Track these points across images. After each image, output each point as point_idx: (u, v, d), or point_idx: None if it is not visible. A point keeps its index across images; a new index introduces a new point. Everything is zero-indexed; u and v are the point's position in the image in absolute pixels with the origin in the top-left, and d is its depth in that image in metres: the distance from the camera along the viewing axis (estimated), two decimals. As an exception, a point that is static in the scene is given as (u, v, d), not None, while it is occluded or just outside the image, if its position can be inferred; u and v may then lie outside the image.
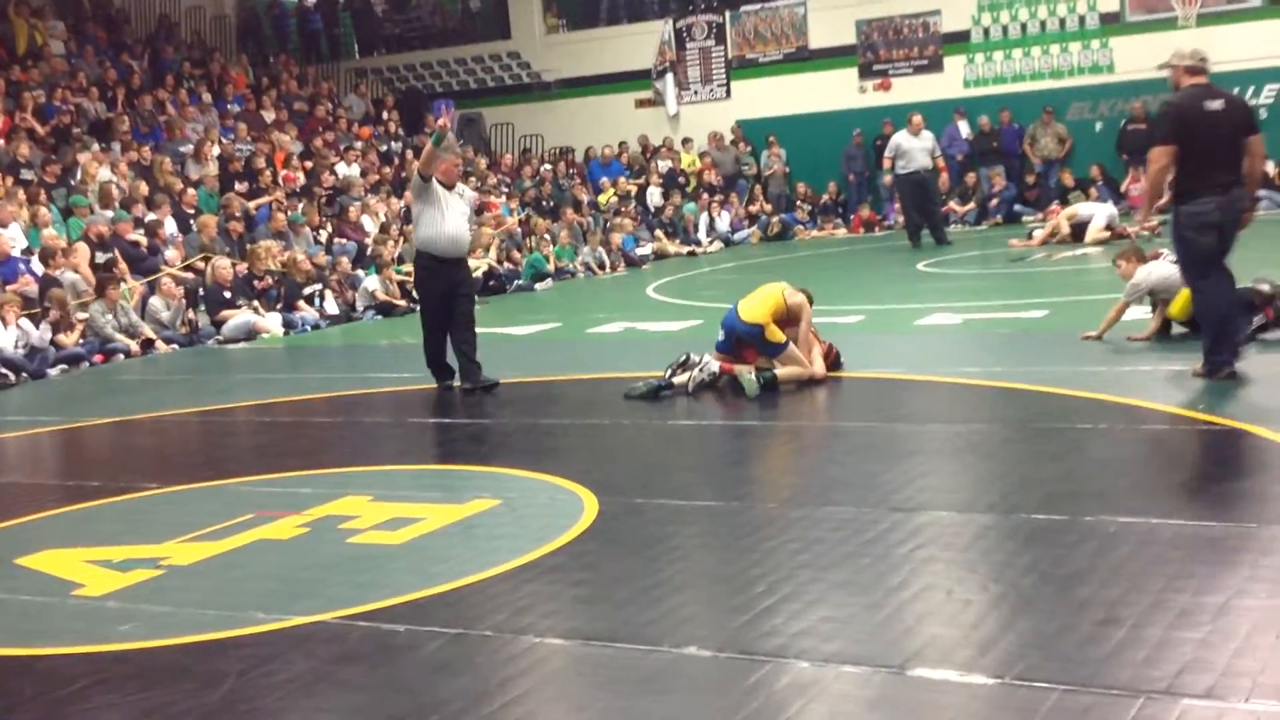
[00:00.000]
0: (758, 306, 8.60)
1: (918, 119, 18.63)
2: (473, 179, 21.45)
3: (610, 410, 8.91)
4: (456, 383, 9.44)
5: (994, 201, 21.14)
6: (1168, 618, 3.99)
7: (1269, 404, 6.96)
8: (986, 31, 21.93)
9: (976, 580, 4.64)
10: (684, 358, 8.60)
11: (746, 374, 8.32)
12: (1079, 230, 16.83)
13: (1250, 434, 6.25)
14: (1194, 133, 7.39)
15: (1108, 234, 16.55)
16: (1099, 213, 17.10)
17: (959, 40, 22.00)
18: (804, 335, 8.60)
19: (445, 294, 9.31)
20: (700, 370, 8.46)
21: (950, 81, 22.07)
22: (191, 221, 16.18)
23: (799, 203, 22.65)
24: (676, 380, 8.51)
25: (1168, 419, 6.72)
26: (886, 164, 19.00)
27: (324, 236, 17.32)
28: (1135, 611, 4.07)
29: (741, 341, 8.60)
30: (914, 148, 18.24)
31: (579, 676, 4.09)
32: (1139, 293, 9.25)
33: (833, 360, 8.79)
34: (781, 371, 8.41)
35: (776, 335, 8.45)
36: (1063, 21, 21.46)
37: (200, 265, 15.16)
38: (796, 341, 8.51)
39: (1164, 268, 9.09)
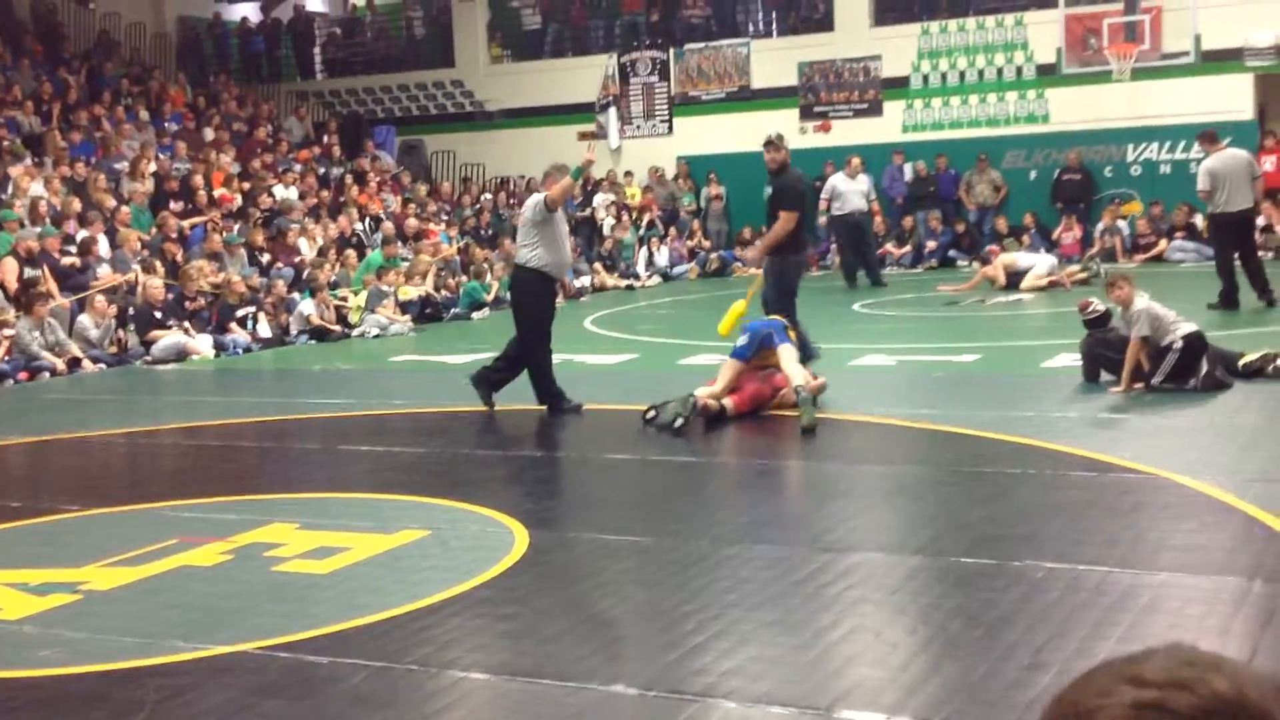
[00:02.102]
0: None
1: (855, 161, 18.83)
2: (411, 205, 21.37)
3: (544, 442, 8.88)
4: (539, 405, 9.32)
5: (930, 245, 21.38)
6: (1092, 664, 4.01)
7: (1191, 453, 7.07)
8: (926, 78, 22.22)
9: (905, 622, 4.66)
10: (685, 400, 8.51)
11: (805, 395, 8.30)
12: (1015, 278, 17.04)
13: (1174, 482, 6.34)
14: None
15: (1045, 282, 16.78)
16: (1040, 261, 17.34)
17: (899, 85, 22.27)
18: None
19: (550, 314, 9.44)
20: (684, 407, 8.34)
21: (889, 126, 22.32)
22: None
23: (741, 242, 22.76)
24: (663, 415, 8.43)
25: (1093, 465, 6.80)
26: (823, 205, 19.16)
27: (264, 259, 17.14)
28: (1061, 657, 4.10)
29: (764, 343, 8.79)
30: (850, 190, 18.43)
31: (504, 713, 4.05)
32: (1149, 323, 8.89)
33: (778, 397, 8.83)
34: (814, 385, 8.57)
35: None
36: (1000, 71, 21.79)
37: (132, 283, 14.95)
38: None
39: (1157, 306, 9.07)
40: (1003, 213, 21.24)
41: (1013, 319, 14.57)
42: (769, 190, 10.78)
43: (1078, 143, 20.79)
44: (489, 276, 17.97)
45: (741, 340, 8.92)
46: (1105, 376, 9.27)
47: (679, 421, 8.21)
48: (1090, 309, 9.49)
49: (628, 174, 23.51)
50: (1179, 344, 8.85)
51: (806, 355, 9.79)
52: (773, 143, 10.86)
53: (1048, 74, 21.28)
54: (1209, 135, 13.59)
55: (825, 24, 22.87)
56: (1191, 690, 0.86)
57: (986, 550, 5.34)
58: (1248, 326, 11.56)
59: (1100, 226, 20.39)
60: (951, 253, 21.25)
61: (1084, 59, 20.60)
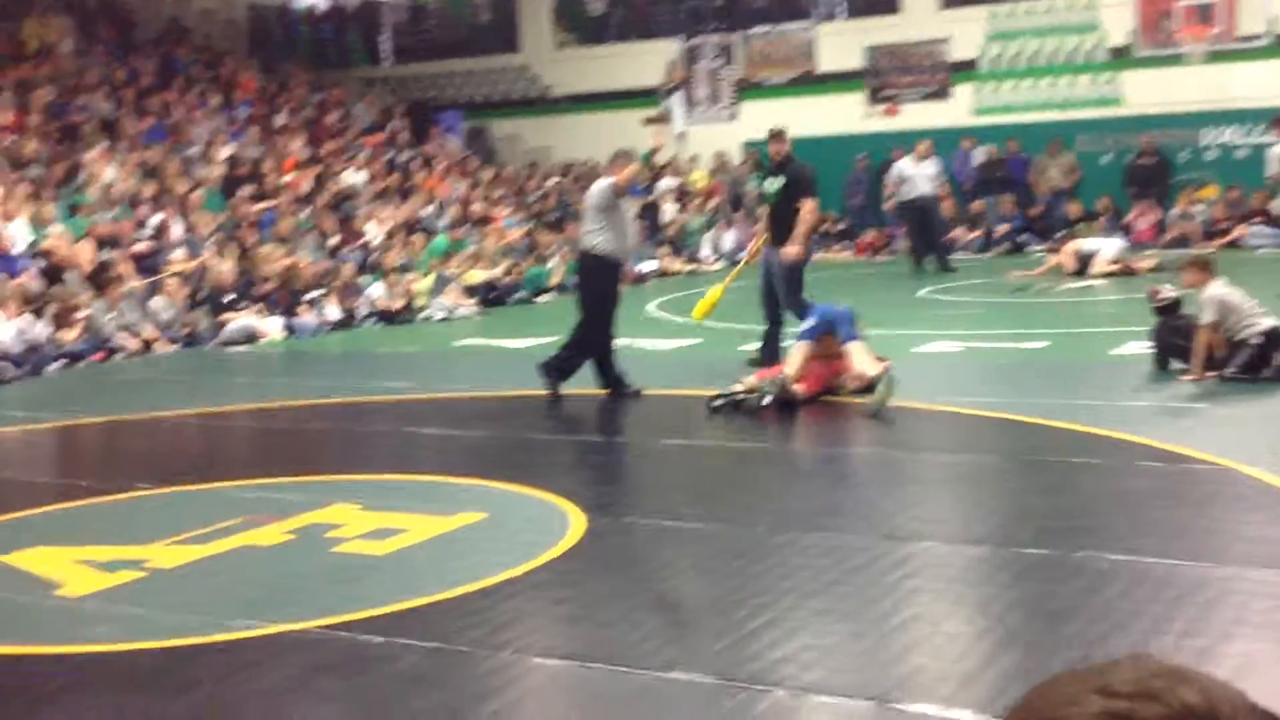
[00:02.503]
0: None
1: (924, 145, 18.61)
2: (477, 190, 21.47)
3: (604, 427, 8.89)
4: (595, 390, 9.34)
5: (1000, 230, 21.12)
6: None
7: (1263, 445, 6.92)
8: (995, 60, 21.94)
9: (964, 612, 4.61)
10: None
11: (879, 375, 8.32)
12: (1084, 263, 16.79)
13: (1244, 474, 6.22)
14: None
15: (1115, 267, 16.51)
16: (1106, 246, 17.06)
17: (967, 68, 22.01)
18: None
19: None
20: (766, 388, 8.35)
21: (958, 109, 22.07)
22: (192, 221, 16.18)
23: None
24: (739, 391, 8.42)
25: (1161, 455, 6.68)
26: (890, 190, 18.98)
27: (332, 243, 17.30)
28: (1121, 650, 4.02)
29: (832, 327, 8.76)
30: (918, 174, 18.22)
31: (557, 696, 4.06)
32: (1220, 310, 8.72)
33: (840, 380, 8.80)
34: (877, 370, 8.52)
35: None
36: (1072, 53, 21.47)
37: (204, 266, 15.16)
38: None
39: (1235, 291, 8.85)
40: (1075, 197, 20.92)
41: (1083, 305, 14.36)
42: (771, 183, 10.53)
43: (1151, 127, 20.42)
44: (553, 261, 18.02)
45: (809, 323, 8.86)
46: (1176, 365, 9.11)
47: (766, 400, 8.21)
48: (1160, 296, 9.33)
49: (692, 159, 23.45)
50: (1257, 338, 8.67)
51: (773, 357, 9.85)
52: (779, 135, 10.72)
53: (1121, 56, 20.93)
54: (1280, 120, 13.30)
55: (892, 6, 22.64)
56: (1161, 701, 0.84)
57: (1050, 540, 5.26)
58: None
59: (1175, 212, 20.04)
60: (1022, 238, 20.99)
61: (1158, 41, 20.24)
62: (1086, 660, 3.92)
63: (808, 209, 10.25)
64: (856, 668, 4.04)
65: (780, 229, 10.26)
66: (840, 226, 22.71)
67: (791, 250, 10.04)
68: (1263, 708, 0.87)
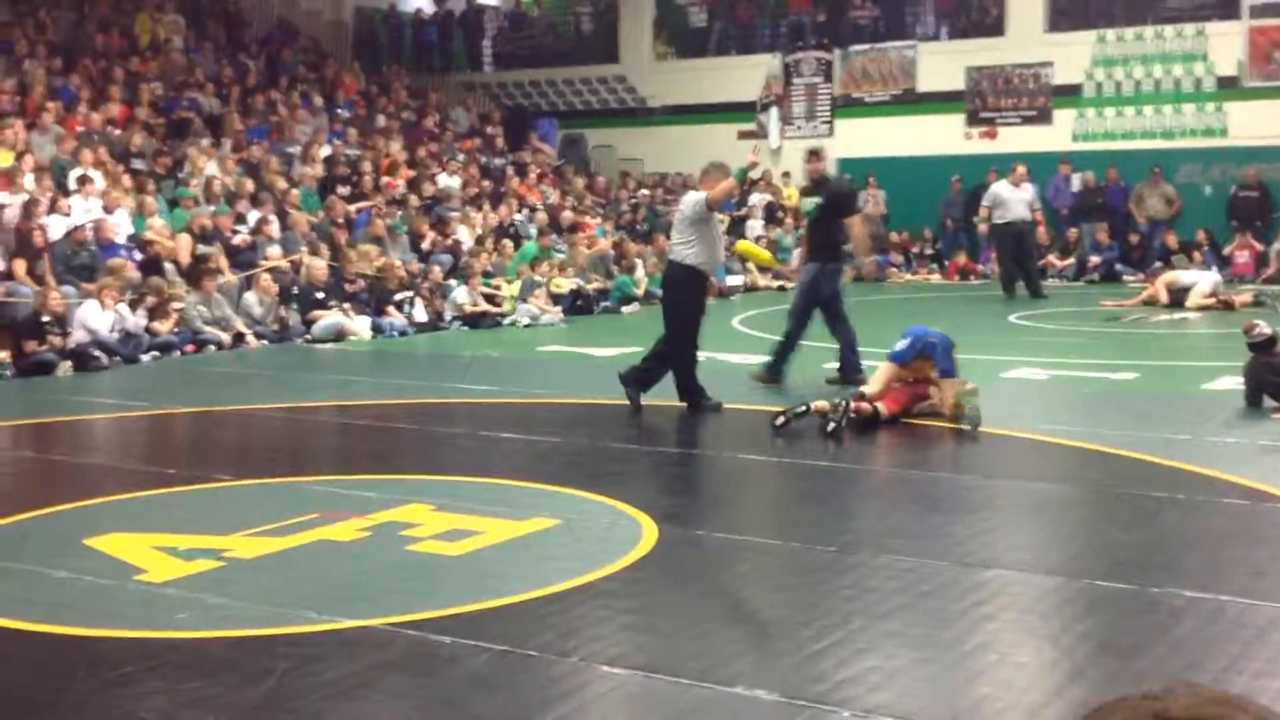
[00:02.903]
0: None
1: (1021, 169, 18.39)
2: (569, 198, 21.60)
3: (682, 439, 8.90)
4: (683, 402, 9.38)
5: (1095, 259, 20.80)
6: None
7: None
8: (1099, 87, 21.63)
9: (1033, 644, 4.56)
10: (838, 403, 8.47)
11: (969, 396, 8.44)
12: (1178, 296, 16.48)
13: (1334, 517, 6.07)
14: None
15: (1211, 300, 16.19)
16: (1203, 279, 16.74)
17: (1069, 93, 21.72)
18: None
19: None
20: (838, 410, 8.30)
21: (1058, 134, 21.79)
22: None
23: (895, 247, 22.49)
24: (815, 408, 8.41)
25: (1247, 494, 6.54)
26: (983, 213, 18.78)
27: (424, 245, 17.51)
28: (1192, 690, 3.96)
29: (925, 353, 8.68)
30: (1013, 198, 18.01)
31: (621, 704, 4.07)
32: None
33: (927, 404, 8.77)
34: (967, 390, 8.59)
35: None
36: (1178, 82, 21.09)
37: (298, 263, 15.42)
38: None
39: None
40: (1174, 228, 20.54)
41: (1175, 338, 14.10)
42: (807, 202, 10.70)
43: (1256, 159, 20.00)
44: (640, 271, 18.07)
45: (902, 344, 8.79)
46: (1269, 403, 8.91)
47: (831, 425, 8.14)
48: (1256, 331, 9.14)
49: (785, 174, 23.40)
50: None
51: (777, 375, 10.04)
52: (817, 154, 11.00)
53: (1228, 86, 20.53)
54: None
55: (996, 28, 22.43)
56: None
57: (1126, 574, 5.18)
58: None
59: (1277, 246, 19.60)
60: (1118, 267, 20.65)
61: (1267, 72, 19.82)
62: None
63: (856, 223, 10.86)
64: (923, 693, 4.01)
65: (818, 246, 10.50)
66: (931, 250, 22.52)
67: (861, 262, 10.76)
68: None
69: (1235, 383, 9.38)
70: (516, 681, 4.17)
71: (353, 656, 4.38)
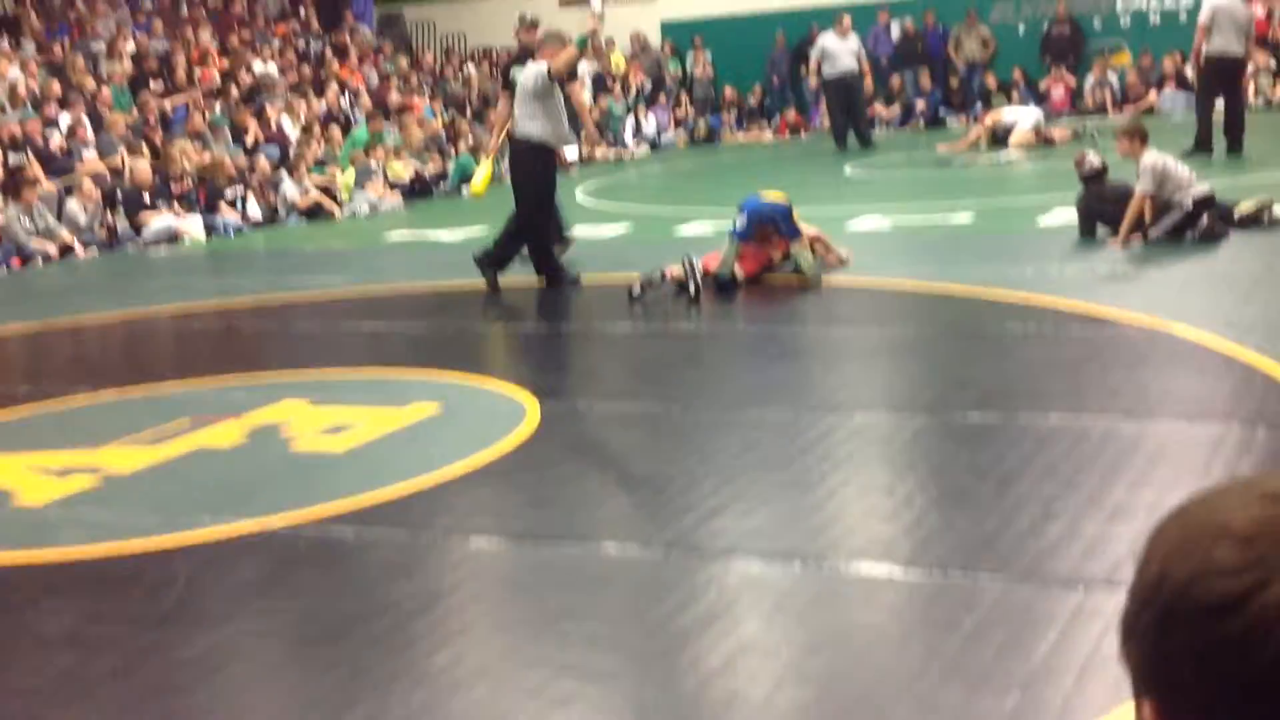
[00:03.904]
0: (777, 193, 9.00)
1: (846, 21, 18.51)
2: (393, 79, 21.07)
3: (546, 315, 8.92)
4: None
5: (920, 105, 21.20)
6: (1103, 513, 4.12)
7: (1191, 304, 7.13)
8: (912, -68, 21.81)
9: (916, 479, 4.76)
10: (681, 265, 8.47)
11: (805, 254, 8.60)
12: (1003, 135, 16.95)
13: (1174, 334, 6.41)
14: None
15: (1033, 137, 16.69)
16: (1024, 116, 17.22)
17: (884, -60, 21.87)
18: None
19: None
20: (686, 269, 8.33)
21: (876, -17, 21.97)
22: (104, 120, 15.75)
23: (725, 106, 22.56)
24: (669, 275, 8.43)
25: (1094, 319, 6.86)
26: (813, 66, 18.91)
27: (249, 138, 16.92)
28: (1071, 507, 4.19)
29: (765, 224, 8.71)
30: (840, 50, 18.15)
31: (531, 576, 4.14)
32: (1158, 177, 8.87)
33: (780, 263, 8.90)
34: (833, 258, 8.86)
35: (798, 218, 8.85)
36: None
37: (118, 166, 14.80)
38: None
39: (1170, 158, 9.12)
40: (992, 69, 21.02)
41: (1006, 176, 14.53)
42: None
43: (1066, -5, 20.50)
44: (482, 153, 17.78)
45: (740, 220, 8.79)
46: (1102, 231, 9.29)
47: (693, 288, 8.20)
48: (1087, 163, 9.48)
49: (609, 41, 23.14)
50: (1187, 205, 8.85)
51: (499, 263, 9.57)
52: (532, 25, 10.53)
53: (1035, -76, 20.89)
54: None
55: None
56: None
57: (992, 406, 5.42)
58: (1225, 174, 11.55)
59: (1090, 79, 20.22)
60: (941, 111, 21.10)
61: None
62: (1046, 516, 4.05)
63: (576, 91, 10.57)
64: (819, 535, 4.16)
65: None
66: (759, 107, 22.65)
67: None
68: None
69: (1068, 215, 9.75)
70: (426, 565, 4.21)
71: (256, 558, 4.36)
